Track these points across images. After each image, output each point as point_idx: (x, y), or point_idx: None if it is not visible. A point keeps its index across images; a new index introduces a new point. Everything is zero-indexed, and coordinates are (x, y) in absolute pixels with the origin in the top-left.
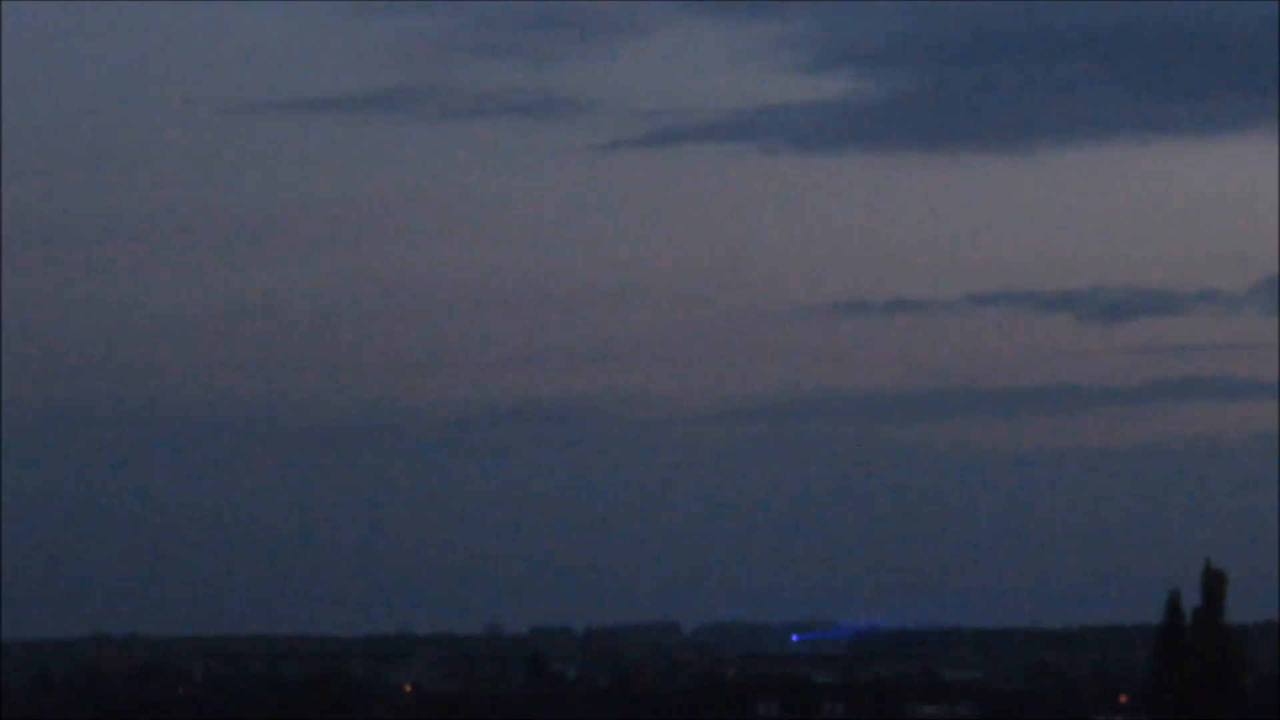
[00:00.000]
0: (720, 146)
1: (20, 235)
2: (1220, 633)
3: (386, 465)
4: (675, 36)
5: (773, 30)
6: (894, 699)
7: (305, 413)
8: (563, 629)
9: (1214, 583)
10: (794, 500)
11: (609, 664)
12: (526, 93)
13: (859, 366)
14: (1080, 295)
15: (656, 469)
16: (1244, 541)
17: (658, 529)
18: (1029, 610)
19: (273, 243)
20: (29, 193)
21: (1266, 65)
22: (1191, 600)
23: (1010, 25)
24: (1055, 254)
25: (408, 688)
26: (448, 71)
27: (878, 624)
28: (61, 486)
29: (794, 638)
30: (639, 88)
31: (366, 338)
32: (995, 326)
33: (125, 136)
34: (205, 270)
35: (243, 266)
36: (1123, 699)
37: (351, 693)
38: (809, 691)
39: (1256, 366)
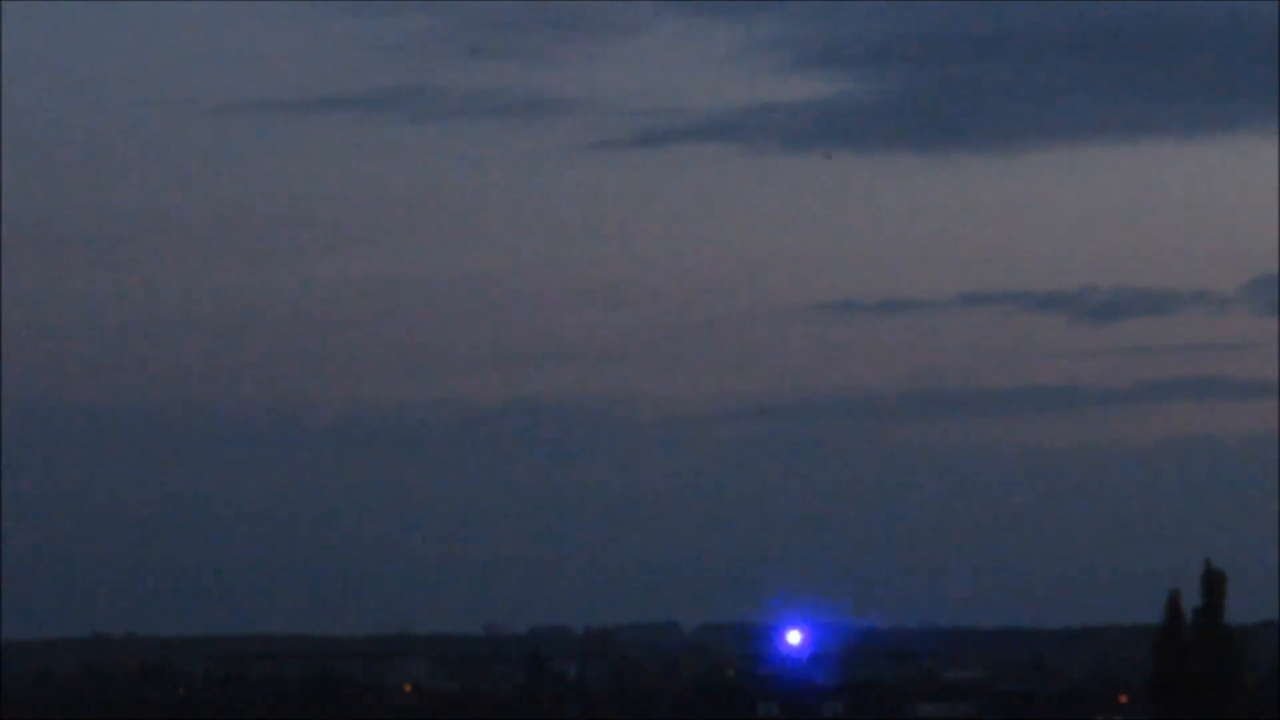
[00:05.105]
0: (709, 147)
1: (20, 235)
2: (1220, 633)
3: (386, 465)
4: (664, 36)
5: (762, 30)
6: (894, 699)
7: (305, 412)
8: (563, 629)
9: (1214, 583)
10: (792, 500)
11: (609, 664)
12: (514, 93)
13: (850, 367)
14: (1072, 295)
15: (653, 469)
16: (1244, 541)
17: (658, 529)
18: (1029, 610)
19: (270, 242)
20: (29, 193)
21: (1261, 65)
22: (1191, 600)
23: (1001, 25)
24: (1047, 254)
25: (408, 688)
26: (436, 72)
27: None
28: (61, 486)
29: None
30: (627, 88)
31: (364, 337)
32: (987, 327)
33: (125, 136)
34: (204, 270)
35: (241, 266)
36: (1123, 699)
37: (351, 693)
38: (809, 691)
39: (1251, 366)
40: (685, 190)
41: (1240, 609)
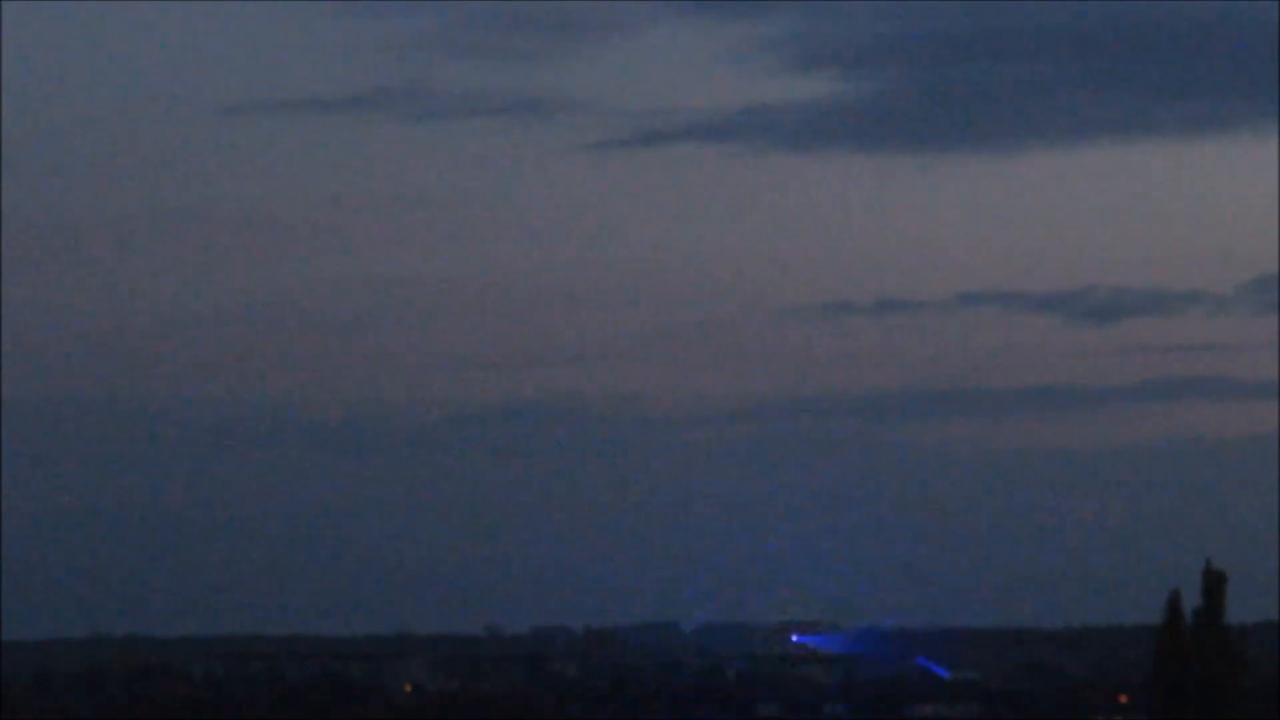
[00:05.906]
0: (707, 147)
1: (20, 235)
2: (1220, 633)
3: (386, 465)
4: (662, 36)
5: (760, 30)
6: (894, 699)
7: (304, 413)
8: (563, 629)
9: (1214, 583)
10: (791, 501)
11: (609, 664)
12: (514, 93)
13: (849, 367)
14: (1072, 295)
15: (652, 469)
16: (1244, 541)
17: (658, 529)
18: (1029, 610)
19: (269, 243)
20: (29, 193)
21: (1259, 65)
22: (1191, 600)
23: (999, 25)
24: (1045, 254)
25: (408, 688)
26: (436, 72)
27: (879, 624)
28: (61, 486)
29: (793, 638)
30: (626, 88)
31: (364, 337)
32: (986, 327)
33: (125, 136)
34: (203, 270)
35: (239, 266)
36: (1123, 699)
37: (351, 693)
38: (809, 692)
39: (1249, 366)
40: (685, 190)
41: (1240, 609)
